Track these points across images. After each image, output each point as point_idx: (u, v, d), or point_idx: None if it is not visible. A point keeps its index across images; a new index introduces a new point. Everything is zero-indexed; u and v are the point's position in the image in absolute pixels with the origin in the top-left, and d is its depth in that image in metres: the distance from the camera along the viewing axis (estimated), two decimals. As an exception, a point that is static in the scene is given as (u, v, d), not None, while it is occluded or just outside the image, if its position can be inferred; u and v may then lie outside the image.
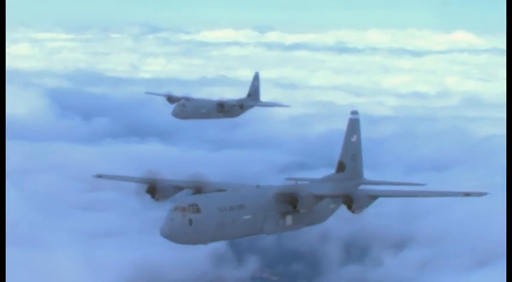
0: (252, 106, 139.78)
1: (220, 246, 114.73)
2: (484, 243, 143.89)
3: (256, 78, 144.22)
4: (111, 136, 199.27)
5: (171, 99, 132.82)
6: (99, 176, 72.03)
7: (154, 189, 63.34)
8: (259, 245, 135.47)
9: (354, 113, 73.58)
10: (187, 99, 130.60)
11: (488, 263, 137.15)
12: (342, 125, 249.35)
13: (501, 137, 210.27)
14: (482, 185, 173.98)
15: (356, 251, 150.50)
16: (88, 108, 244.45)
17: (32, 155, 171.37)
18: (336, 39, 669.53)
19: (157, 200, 63.78)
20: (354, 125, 72.89)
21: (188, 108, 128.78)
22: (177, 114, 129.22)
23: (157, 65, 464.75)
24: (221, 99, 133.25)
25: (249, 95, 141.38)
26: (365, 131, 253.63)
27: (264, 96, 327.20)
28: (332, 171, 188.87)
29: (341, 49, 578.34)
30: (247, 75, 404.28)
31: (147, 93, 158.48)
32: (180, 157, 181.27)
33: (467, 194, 61.90)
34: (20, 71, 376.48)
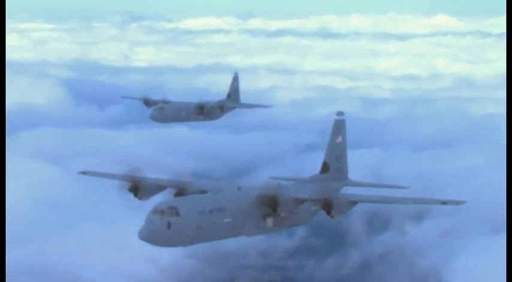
0: (233, 108, 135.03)
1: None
2: (499, 212, 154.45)
3: (235, 78, 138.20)
4: (131, 122, 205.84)
5: (148, 103, 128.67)
6: (84, 173, 72.14)
7: (137, 188, 63.54)
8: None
9: (340, 114, 71.33)
10: (165, 102, 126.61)
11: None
12: (345, 108, 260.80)
13: (499, 116, 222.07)
14: (490, 161, 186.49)
15: (379, 223, 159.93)
16: (100, 97, 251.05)
17: (67, 140, 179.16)
18: (319, 24, 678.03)
19: (140, 198, 63.92)
20: (339, 126, 70.76)
21: (167, 112, 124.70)
22: (155, 117, 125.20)
23: (147, 53, 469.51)
24: (200, 101, 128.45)
25: (229, 95, 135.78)
26: (367, 113, 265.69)
27: (261, 83, 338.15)
28: (348, 150, 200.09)
29: (325, 35, 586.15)
30: (241, 62, 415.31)
31: (123, 97, 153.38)
32: (207, 140, 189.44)
33: (444, 203, 61.48)
34: (16, 62, 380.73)
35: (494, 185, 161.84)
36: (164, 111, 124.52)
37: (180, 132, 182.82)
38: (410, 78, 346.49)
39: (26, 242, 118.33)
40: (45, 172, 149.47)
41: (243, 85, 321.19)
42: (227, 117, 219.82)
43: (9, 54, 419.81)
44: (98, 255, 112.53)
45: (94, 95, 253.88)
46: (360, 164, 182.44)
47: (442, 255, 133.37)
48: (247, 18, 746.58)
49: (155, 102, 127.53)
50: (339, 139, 70.68)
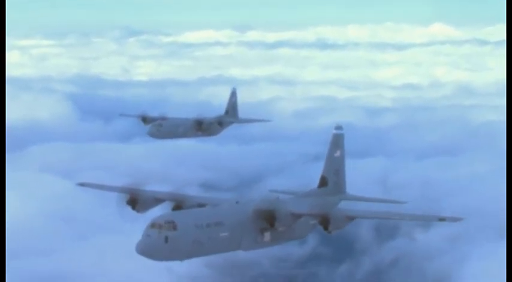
0: (231, 123, 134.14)
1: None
2: (504, 218, 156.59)
3: (233, 94, 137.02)
4: (138, 135, 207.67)
5: (145, 119, 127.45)
6: (82, 185, 72.31)
7: (135, 201, 63.64)
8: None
9: (338, 128, 71.27)
10: (163, 118, 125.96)
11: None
12: (347, 117, 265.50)
13: (499, 123, 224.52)
14: (493, 168, 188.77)
15: (387, 230, 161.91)
16: (104, 111, 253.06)
17: (76, 154, 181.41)
18: (316, 35, 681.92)
19: (137, 211, 63.92)
20: (338, 140, 70.63)
21: (164, 128, 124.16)
22: (152, 134, 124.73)
23: (148, 67, 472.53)
24: (198, 117, 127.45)
25: (227, 111, 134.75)
26: (369, 122, 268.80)
27: (262, 94, 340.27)
28: (353, 159, 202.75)
29: (323, 45, 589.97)
30: (242, 74, 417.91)
31: (121, 115, 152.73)
32: (214, 152, 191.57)
33: (442, 219, 61.09)
34: (19, 78, 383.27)
35: (498, 192, 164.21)
36: (162, 127, 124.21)
37: (187, 144, 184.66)
38: (410, 87, 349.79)
39: (43, 254, 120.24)
40: (56, 186, 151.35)
41: (245, 96, 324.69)
42: (232, 129, 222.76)
43: (11, 71, 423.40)
44: (114, 266, 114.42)
45: (98, 109, 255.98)
46: (365, 172, 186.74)
47: (452, 260, 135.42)
48: (245, 31, 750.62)
49: (153, 119, 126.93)
50: (337, 153, 70.26)
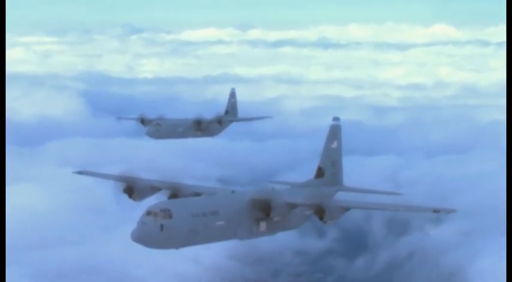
0: (231, 122, 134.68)
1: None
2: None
3: (232, 95, 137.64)
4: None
5: (144, 121, 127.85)
6: (80, 173, 73.78)
7: (132, 189, 64.29)
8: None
9: (336, 119, 71.96)
10: (161, 119, 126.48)
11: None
12: (354, 116, 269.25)
13: (505, 122, 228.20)
14: (501, 166, 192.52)
15: (398, 226, 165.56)
16: (115, 107, 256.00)
17: (94, 149, 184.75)
18: (318, 35, 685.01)
19: (134, 199, 64.54)
20: (335, 131, 71.15)
21: (163, 128, 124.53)
22: (151, 133, 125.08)
23: (152, 65, 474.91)
24: (197, 117, 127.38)
25: (227, 112, 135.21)
26: (376, 121, 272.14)
27: (268, 92, 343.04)
28: (364, 157, 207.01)
29: (325, 45, 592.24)
30: (246, 72, 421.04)
31: (118, 118, 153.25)
32: (229, 148, 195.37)
33: (436, 211, 60.27)
34: (24, 75, 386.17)
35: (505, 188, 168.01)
36: (161, 127, 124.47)
37: (202, 140, 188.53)
38: (415, 87, 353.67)
39: (75, 244, 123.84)
40: (78, 180, 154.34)
41: (251, 94, 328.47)
42: (243, 127, 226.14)
43: (17, 68, 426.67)
44: (143, 256, 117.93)
45: (109, 106, 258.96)
46: (376, 170, 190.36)
47: (465, 254, 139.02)
48: (247, 29, 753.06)
49: (151, 121, 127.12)
50: (334, 144, 70.59)
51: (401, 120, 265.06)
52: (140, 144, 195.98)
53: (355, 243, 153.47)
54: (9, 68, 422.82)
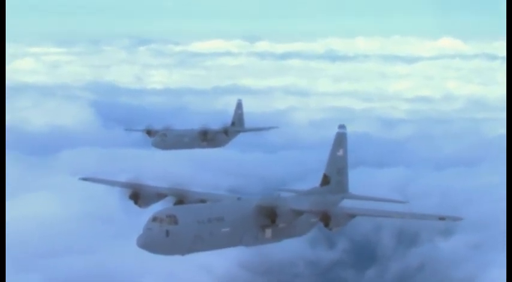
0: (238, 132, 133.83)
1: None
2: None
3: (239, 105, 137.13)
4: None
5: (150, 133, 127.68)
6: (85, 179, 73.39)
7: (138, 196, 64.18)
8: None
9: (342, 127, 71.87)
10: (167, 130, 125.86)
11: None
12: (363, 128, 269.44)
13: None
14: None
15: (407, 238, 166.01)
16: (125, 118, 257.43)
17: (106, 159, 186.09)
18: (325, 47, 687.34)
19: (139, 206, 64.50)
20: (340, 139, 71.08)
21: (169, 138, 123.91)
22: (157, 144, 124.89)
23: (160, 76, 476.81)
24: (203, 128, 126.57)
25: (233, 123, 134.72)
26: (385, 133, 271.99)
27: (278, 104, 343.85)
28: (373, 168, 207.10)
29: (332, 57, 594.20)
30: (255, 84, 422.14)
31: (126, 129, 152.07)
32: (239, 159, 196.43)
33: (442, 218, 60.05)
34: (34, 85, 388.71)
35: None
36: (167, 137, 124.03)
37: (212, 151, 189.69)
38: (423, 100, 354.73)
39: (84, 253, 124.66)
40: (89, 188, 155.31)
41: (260, 106, 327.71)
42: (253, 138, 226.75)
43: (26, 78, 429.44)
44: (154, 265, 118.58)
45: (119, 117, 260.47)
46: (385, 182, 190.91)
47: (476, 266, 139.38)
48: (254, 41, 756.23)
49: (157, 132, 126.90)
50: (340, 152, 70.71)
51: (410, 133, 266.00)
52: (150, 155, 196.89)
53: (365, 255, 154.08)
54: (19, 78, 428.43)
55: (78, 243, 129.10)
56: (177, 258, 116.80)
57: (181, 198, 62.33)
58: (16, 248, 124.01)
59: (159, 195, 64.18)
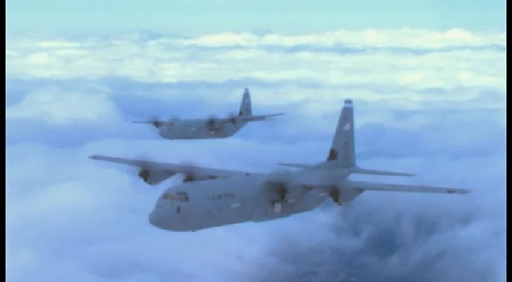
0: (246, 121, 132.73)
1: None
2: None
3: (246, 95, 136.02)
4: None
5: (157, 124, 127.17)
6: (94, 158, 74.64)
7: (147, 173, 64.62)
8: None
9: (348, 101, 72.07)
10: (174, 120, 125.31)
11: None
12: (378, 119, 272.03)
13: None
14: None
15: (427, 226, 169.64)
16: (144, 111, 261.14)
17: (131, 151, 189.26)
18: (335, 40, 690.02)
19: (149, 183, 64.63)
20: (347, 113, 71.17)
21: (176, 128, 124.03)
22: (164, 134, 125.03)
23: (173, 70, 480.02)
24: (211, 117, 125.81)
25: (241, 113, 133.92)
26: (400, 124, 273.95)
27: (291, 96, 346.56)
28: (390, 158, 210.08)
29: (342, 50, 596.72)
30: (267, 76, 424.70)
31: (133, 122, 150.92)
32: (260, 150, 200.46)
33: (451, 191, 59.89)
34: (50, 80, 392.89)
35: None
36: (174, 127, 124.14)
37: (234, 142, 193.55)
38: (435, 91, 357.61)
39: (119, 240, 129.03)
40: (117, 179, 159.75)
41: (274, 98, 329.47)
42: (271, 130, 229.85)
43: (42, 73, 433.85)
44: (190, 253, 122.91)
45: (138, 110, 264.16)
46: (403, 172, 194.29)
47: (497, 253, 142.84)
48: (263, 34, 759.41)
49: (164, 123, 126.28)
50: (347, 126, 70.81)
51: (424, 124, 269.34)
52: (172, 145, 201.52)
53: (388, 243, 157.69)
54: (35, 73, 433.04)
55: (114, 231, 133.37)
56: (209, 246, 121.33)
57: (190, 175, 62.76)
58: (55, 235, 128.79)
59: (168, 172, 64.64)
